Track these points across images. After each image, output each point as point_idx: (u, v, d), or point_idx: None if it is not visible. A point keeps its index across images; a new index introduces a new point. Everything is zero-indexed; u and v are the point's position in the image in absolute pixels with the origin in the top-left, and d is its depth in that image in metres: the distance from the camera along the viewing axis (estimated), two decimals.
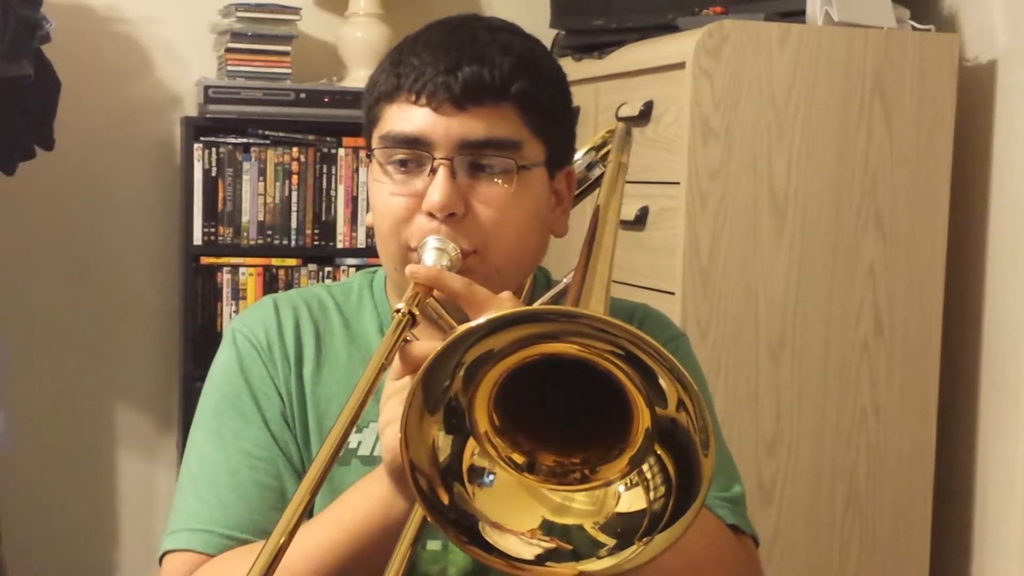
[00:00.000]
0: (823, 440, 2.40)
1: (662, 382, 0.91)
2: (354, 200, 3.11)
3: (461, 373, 0.94)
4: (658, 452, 0.94)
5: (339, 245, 3.11)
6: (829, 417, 2.40)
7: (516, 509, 0.97)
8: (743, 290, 2.34)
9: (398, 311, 1.08)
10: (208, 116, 3.01)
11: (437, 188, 1.18)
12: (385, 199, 1.23)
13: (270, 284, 3.06)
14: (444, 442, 0.96)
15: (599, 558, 0.95)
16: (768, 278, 2.36)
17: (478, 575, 1.26)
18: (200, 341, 3.01)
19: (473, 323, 0.92)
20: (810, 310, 2.38)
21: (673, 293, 2.34)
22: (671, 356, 0.90)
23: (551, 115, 1.25)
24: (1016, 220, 2.42)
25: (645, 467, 0.95)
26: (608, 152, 1.46)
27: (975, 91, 2.51)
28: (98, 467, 3.24)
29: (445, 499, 0.96)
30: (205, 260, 3.04)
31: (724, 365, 2.34)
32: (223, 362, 1.32)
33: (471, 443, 0.97)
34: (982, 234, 2.50)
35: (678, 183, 2.33)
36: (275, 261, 3.07)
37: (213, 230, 3.04)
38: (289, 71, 3.07)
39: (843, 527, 2.42)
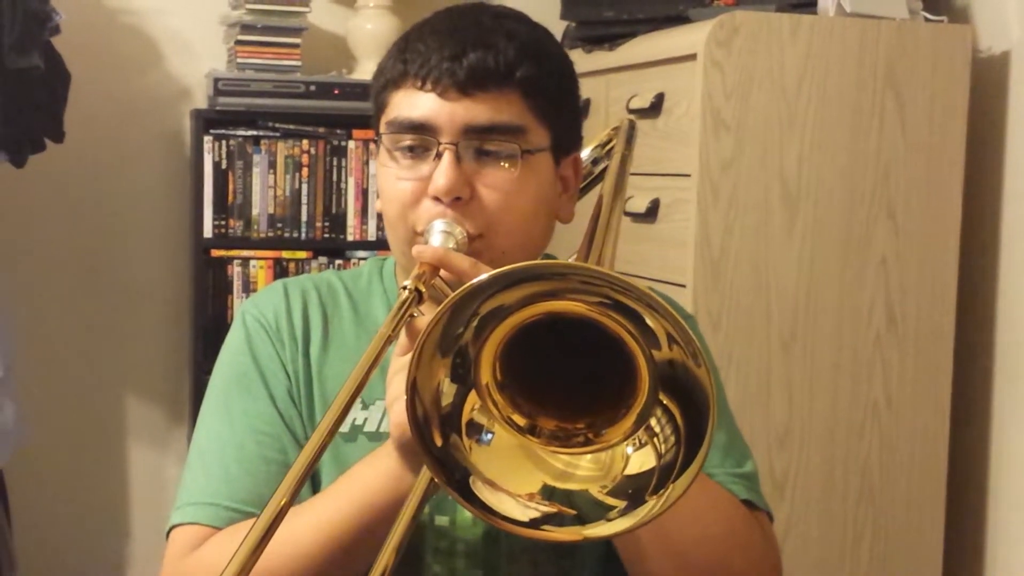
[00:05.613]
0: (835, 433, 2.39)
1: (649, 322, 0.91)
2: (364, 193, 3.10)
3: (474, 323, 0.94)
4: (664, 402, 0.94)
5: (349, 237, 3.11)
6: (841, 410, 2.39)
7: (515, 471, 0.97)
8: (754, 283, 2.34)
9: (405, 288, 1.08)
10: (218, 108, 3.01)
11: (442, 172, 1.20)
12: (392, 184, 1.24)
13: (280, 277, 3.05)
14: (448, 388, 0.96)
15: (608, 520, 0.95)
16: (780, 270, 2.35)
17: (487, 551, 1.27)
18: (210, 334, 3.01)
19: (493, 272, 0.92)
20: (822, 302, 2.37)
21: (684, 286, 2.33)
22: (646, 290, 0.90)
23: (556, 101, 1.26)
24: None
25: (652, 421, 0.95)
26: (613, 147, 1.47)
27: (988, 83, 2.49)
28: (109, 459, 3.25)
29: (438, 440, 0.96)
30: (215, 253, 3.05)
31: (736, 358, 2.33)
32: (233, 341, 1.35)
33: (472, 396, 0.97)
34: (995, 226, 2.49)
35: (689, 175, 2.33)
36: (285, 254, 3.08)
37: (223, 223, 3.04)
38: (299, 63, 3.07)
39: (856, 520, 2.42)
